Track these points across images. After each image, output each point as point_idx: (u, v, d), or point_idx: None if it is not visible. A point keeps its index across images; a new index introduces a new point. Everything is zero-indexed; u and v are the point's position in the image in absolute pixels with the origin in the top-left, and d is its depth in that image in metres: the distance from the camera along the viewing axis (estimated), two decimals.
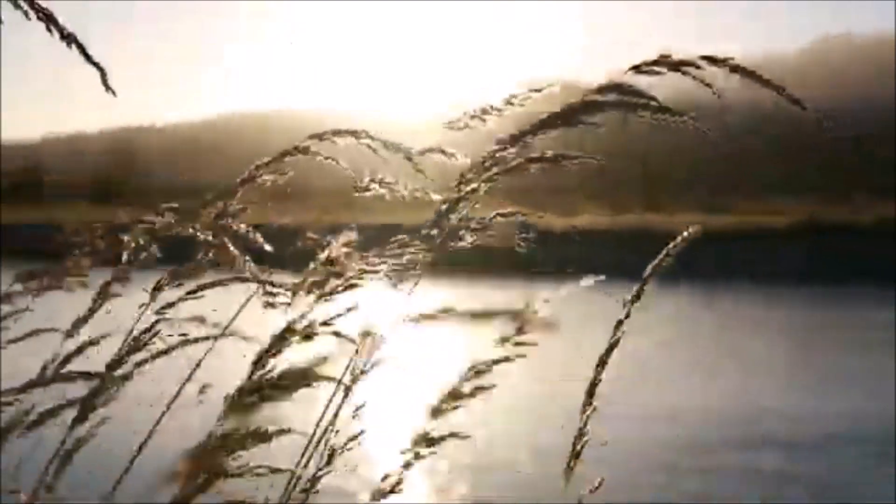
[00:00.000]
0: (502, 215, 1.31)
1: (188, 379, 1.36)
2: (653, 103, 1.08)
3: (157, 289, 1.35)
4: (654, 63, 1.08)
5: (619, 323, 1.44)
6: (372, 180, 1.43)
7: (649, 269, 1.43)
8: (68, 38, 1.19)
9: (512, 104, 1.27)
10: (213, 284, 1.35)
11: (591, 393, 1.45)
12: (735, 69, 1.06)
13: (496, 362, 1.18)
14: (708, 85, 1.06)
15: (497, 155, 1.24)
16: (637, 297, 1.43)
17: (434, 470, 8.86)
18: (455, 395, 1.21)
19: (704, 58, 1.06)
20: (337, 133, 1.35)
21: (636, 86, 1.10)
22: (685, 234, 1.43)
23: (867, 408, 11.98)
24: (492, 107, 1.28)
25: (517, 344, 1.18)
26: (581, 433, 1.44)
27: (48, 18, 1.18)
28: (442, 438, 1.21)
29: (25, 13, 1.16)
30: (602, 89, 1.09)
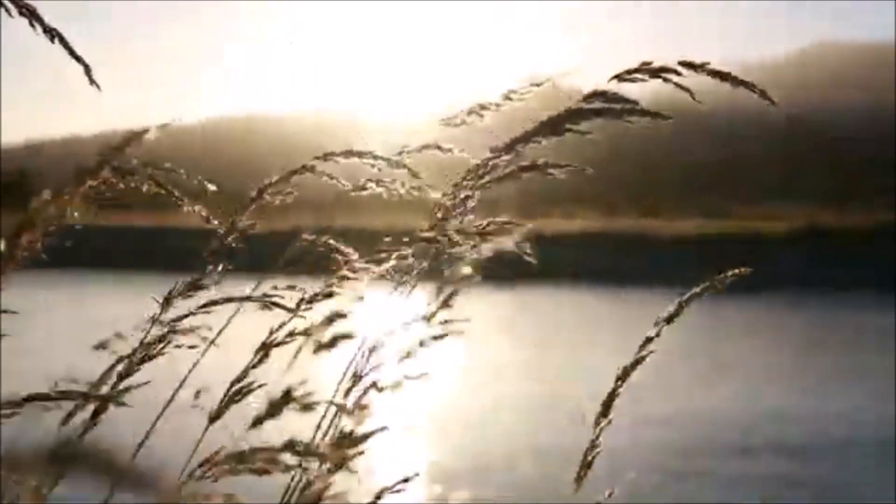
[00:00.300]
0: (496, 223, 1.31)
1: (181, 385, 1.36)
2: (636, 108, 1.10)
3: (168, 300, 1.37)
4: (636, 70, 1.10)
5: (648, 340, 1.41)
6: (369, 179, 1.42)
7: (689, 294, 1.41)
8: (51, 32, 1.19)
9: (511, 99, 1.27)
10: (224, 301, 1.36)
11: (608, 405, 1.42)
12: (712, 73, 1.09)
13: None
14: (688, 90, 1.08)
15: (490, 163, 1.25)
16: (672, 317, 1.40)
17: (432, 470, 8.87)
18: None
19: (683, 63, 1.08)
20: (342, 154, 1.37)
21: (619, 92, 1.11)
22: (736, 270, 1.42)
23: (866, 411, 12.00)
24: (489, 102, 1.29)
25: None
26: (593, 444, 1.42)
27: (31, 14, 1.18)
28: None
29: (8, 10, 1.16)
30: (587, 97, 1.12)
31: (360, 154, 1.34)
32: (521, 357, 16.31)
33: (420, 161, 1.43)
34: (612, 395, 1.42)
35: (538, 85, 1.24)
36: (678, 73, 1.09)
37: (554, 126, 1.16)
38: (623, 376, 1.42)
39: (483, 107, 1.30)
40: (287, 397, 0.88)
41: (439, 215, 1.28)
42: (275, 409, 0.88)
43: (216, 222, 1.45)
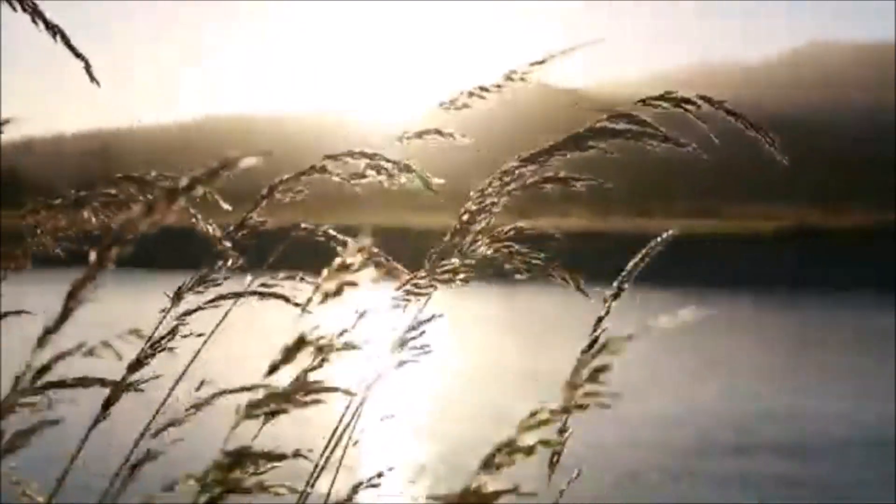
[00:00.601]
0: (518, 229, 1.36)
1: (181, 376, 1.36)
2: (658, 133, 1.20)
3: (178, 295, 1.38)
4: (659, 98, 1.20)
5: (600, 320, 1.43)
6: (368, 166, 1.40)
7: (628, 268, 1.44)
8: (53, 29, 1.21)
9: (512, 79, 1.30)
10: (233, 296, 1.37)
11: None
12: (728, 112, 1.19)
13: (565, 410, 0.93)
14: (704, 123, 1.18)
15: (517, 171, 1.31)
16: (617, 294, 1.43)
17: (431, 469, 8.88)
18: (513, 449, 0.96)
19: (703, 98, 1.19)
20: (351, 154, 1.38)
21: (642, 116, 1.21)
22: (662, 236, 1.44)
23: (865, 411, 12.03)
24: (490, 84, 1.32)
25: (588, 394, 0.94)
26: (563, 429, 1.40)
27: (34, 11, 1.20)
28: (496, 495, 0.94)
29: (12, 5, 1.19)
30: (612, 117, 1.20)
31: (370, 156, 1.34)
32: (521, 356, 16.32)
33: (418, 150, 1.41)
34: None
35: (541, 62, 1.27)
36: (698, 106, 1.19)
37: (578, 142, 1.24)
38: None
39: (484, 88, 1.32)
40: (301, 343, 0.87)
41: (465, 219, 1.30)
42: (290, 354, 0.87)
43: (197, 219, 1.45)
